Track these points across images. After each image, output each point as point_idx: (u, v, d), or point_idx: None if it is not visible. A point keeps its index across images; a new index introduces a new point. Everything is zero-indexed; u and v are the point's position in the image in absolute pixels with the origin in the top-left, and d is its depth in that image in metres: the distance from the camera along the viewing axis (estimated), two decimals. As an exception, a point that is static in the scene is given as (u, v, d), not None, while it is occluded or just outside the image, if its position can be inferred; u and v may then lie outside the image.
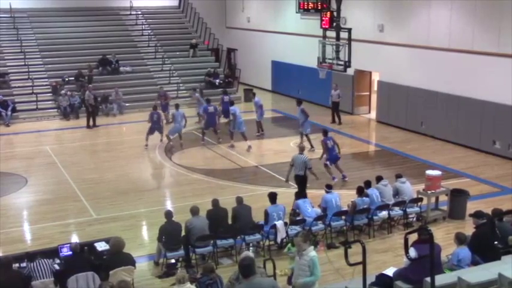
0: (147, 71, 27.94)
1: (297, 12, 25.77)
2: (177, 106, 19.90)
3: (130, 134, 21.22)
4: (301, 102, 19.31)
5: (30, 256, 9.40)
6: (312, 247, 8.48)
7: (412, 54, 20.87)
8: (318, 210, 12.06)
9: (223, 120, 21.00)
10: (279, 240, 11.21)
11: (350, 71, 20.78)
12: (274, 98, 28.30)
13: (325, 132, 16.17)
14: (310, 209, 11.92)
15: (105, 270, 8.99)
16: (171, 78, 27.55)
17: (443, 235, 11.69)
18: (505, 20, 17.12)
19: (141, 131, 21.10)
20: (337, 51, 18.48)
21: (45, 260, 9.13)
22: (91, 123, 22.54)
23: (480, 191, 14.74)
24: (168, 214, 10.91)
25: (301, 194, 13.32)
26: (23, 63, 26.09)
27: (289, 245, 10.01)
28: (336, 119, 22.63)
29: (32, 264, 9.02)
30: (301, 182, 13.74)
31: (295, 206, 12.10)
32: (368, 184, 12.60)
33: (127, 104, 25.22)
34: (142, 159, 18.65)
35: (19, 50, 26.70)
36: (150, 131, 19.38)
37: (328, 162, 15.66)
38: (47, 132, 22.01)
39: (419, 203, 12.86)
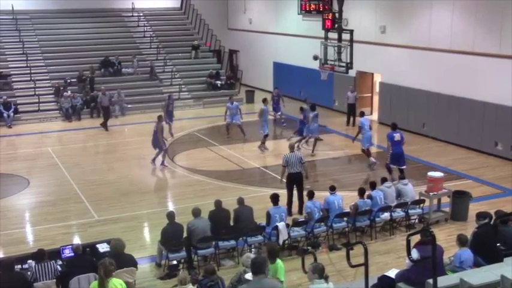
0: (149, 72, 27.95)
1: (298, 14, 25.77)
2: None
3: (133, 136, 21.20)
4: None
5: (38, 255, 9.30)
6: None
7: (414, 55, 20.86)
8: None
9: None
10: (280, 241, 11.19)
11: (352, 73, 20.78)
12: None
13: None
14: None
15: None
16: (173, 80, 27.59)
17: (445, 237, 11.68)
18: (506, 21, 17.10)
19: (143, 133, 21.10)
20: (339, 53, 18.48)
21: (51, 262, 9.10)
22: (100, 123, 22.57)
23: (482, 192, 14.71)
24: (170, 216, 10.91)
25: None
26: (25, 64, 26.14)
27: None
28: (351, 120, 22.57)
29: (37, 265, 9.00)
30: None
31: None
32: (373, 185, 12.59)
33: (129, 106, 25.27)
34: (144, 161, 18.64)
35: (21, 52, 26.75)
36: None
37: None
38: (49, 134, 22.03)
39: (421, 205, 12.82)
